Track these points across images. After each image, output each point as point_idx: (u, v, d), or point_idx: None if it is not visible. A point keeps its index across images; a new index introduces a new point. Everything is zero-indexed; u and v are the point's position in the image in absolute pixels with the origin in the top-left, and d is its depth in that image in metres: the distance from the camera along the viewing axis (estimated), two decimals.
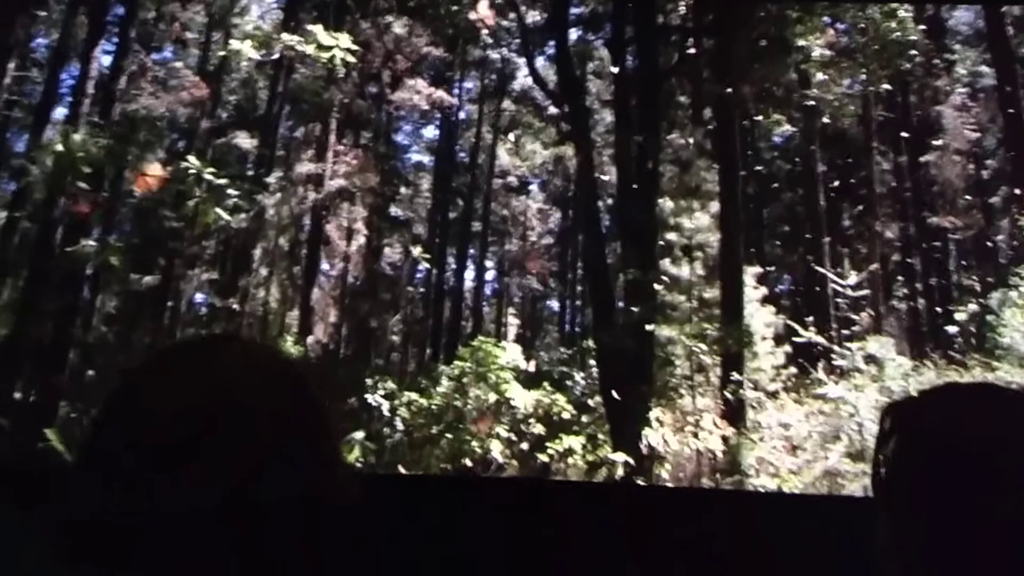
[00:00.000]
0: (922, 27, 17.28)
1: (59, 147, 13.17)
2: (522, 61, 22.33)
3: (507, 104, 26.07)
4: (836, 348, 12.18)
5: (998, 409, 0.97)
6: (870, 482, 1.05)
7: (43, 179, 14.03)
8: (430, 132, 27.04)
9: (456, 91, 23.71)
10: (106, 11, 17.20)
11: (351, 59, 14.78)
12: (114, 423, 0.86)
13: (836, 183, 20.61)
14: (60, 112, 17.06)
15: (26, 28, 18.19)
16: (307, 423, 0.89)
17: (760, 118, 19.62)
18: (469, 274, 25.85)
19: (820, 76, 17.40)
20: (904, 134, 21.43)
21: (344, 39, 14.55)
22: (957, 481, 0.91)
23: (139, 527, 0.78)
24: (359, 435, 9.52)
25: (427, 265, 19.45)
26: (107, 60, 16.79)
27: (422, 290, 23.39)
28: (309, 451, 0.87)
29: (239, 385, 0.87)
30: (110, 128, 14.90)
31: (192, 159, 12.77)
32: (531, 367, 13.37)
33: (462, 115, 25.68)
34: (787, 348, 13.17)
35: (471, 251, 25.00)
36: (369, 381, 13.41)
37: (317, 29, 14.65)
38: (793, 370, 12.73)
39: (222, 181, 12.60)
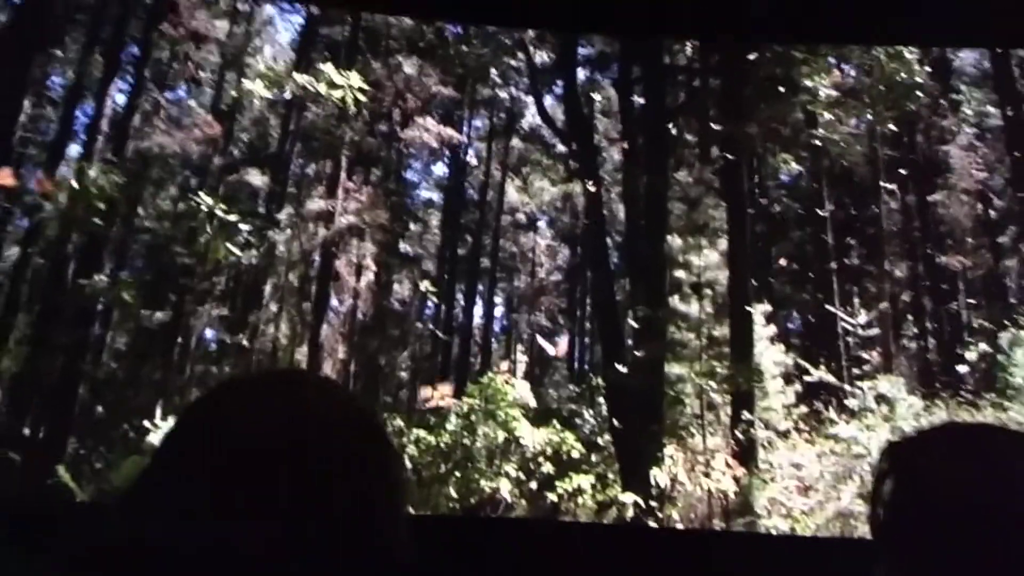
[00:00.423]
0: (928, 68, 17.43)
1: (74, 183, 13.31)
2: (530, 100, 22.63)
3: (516, 142, 26.34)
4: (847, 387, 12.11)
5: (996, 450, 0.97)
6: (868, 523, 1.04)
7: (56, 215, 14.17)
8: (439, 170, 27.36)
9: (465, 129, 23.98)
10: (121, 50, 17.51)
11: (362, 98, 14.97)
12: (186, 450, 0.82)
13: (844, 222, 20.64)
14: (75, 149, 17.30)
15: (42, 67, 18.52)
16: (382, 472, 0.86)
17: (768, 157, 19.73)
18: (478, 310, 25.95)
19: (827, 116, 17.51)
20: (910, 173, 21.51)
21: (355, 78, 14.76)
22: (953, 522, 0.91)
23: (198, 560, 0.74)
24: None
25: (436, 301, 19.50)
26: (121, 98, 17.09)
27: (431, 326, 23.40)
28: (382, 502, 0.84)
29: (320, 424, 0.84)
30: (123, 165, 15.07)
31: (204, 196, 12.88)
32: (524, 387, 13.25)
33: (471, 153, 25.96)
34: (797, 387, 13.09)
35: (480, 287, 25.09)
36: None
37: (328, 68, 14.86)
38: (804, 409, 12.64)
39: (233, 218, 12.69)
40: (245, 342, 15.15)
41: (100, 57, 17.34)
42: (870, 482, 1.07)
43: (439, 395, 14.12)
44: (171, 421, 0.88)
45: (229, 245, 12.62)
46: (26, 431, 13.48)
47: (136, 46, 17.71)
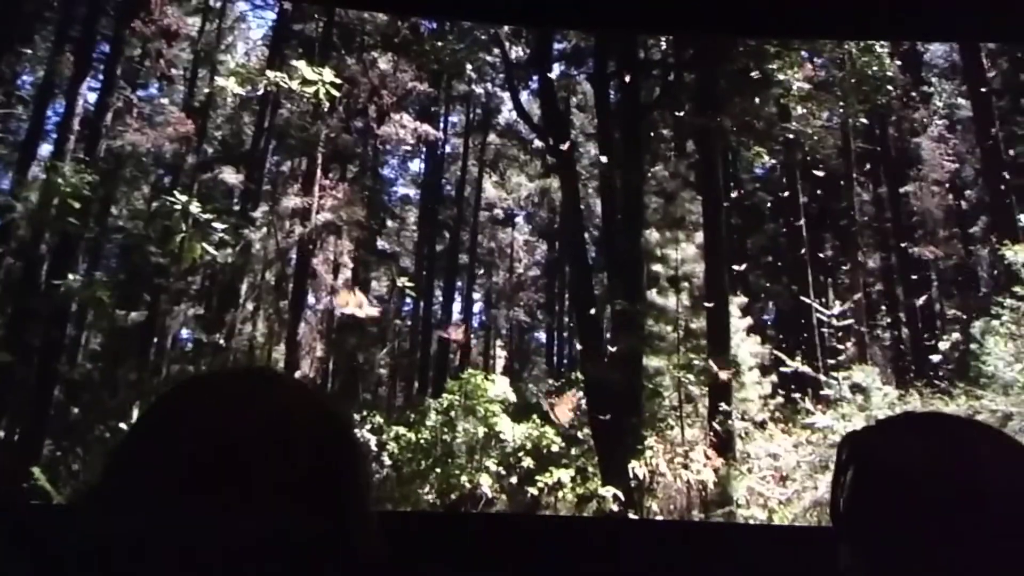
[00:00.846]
0: (898, 61, 17.62)
1: (45, 182, 13.16)
2: (507, 96, 22.63)
3: (492, 138, 26.35)
4: (822, 378, 12.24)
5: (950, 437, 0.99)
6: (830, 510, 1.07)
7: (28, 215, 13.98)
8: (416, 166, 27.31)
9: (442, 125, 23.92)
10: (92, 48, 17.27)
11: (335, 93, 14.90)
12: (149, 445, 0.80)
13: (818, 214, 20.83)
14: (46, 149, 17.08)
15: (11, 65, 18.25)
16: (349, 469, 0.85)
17: (742, 150, 19.87)
18: (456, 306, 25.95)
19: (800, 109, 17.66)
20: (882, 165, 21.74)
21: (327, 74, 14.69)
22: (910, 506, 0.94)
23: (160, 558, 0.74)
24: None
25: (414, 297, 19.48)
26: (93, 97, 16.86)
27: (409, 323, 23.37)
28: (346, 499, 0.84)
29: (286, 420, 0.82)
30: (96, 164, 14.90)
31: (178, 194, 12.76)
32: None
33: (448, 149, 25.92)
34: (774, 378, 13.22)
35: (458, 284, 25.08)
36: (357, 416, 13.30)
37: (301, 64, 14.77)
38: (780, 400, 12.77)
39: (208, 216, 12.59)
40: (222, 341, 15.04)
41: (70, 55, 17.10)
42: None
43: (355, 302, 14.05)
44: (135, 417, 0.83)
45: (205, 244, 12.51)
46: (0, 433, 13.32)
47: (106, 43, 17.48)
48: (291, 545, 0.77)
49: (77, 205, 13.17)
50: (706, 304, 13.19)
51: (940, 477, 0.94)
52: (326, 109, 15.87)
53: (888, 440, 1.03)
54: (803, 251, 18.11)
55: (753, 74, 15.94)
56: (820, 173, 18.72)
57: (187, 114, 17.50)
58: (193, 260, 12.76)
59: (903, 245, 20.50)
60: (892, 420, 1.10)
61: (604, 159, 14.84)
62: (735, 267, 16.23)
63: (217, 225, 12.75)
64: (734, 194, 21.01)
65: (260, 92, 15.47)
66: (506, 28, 16.80)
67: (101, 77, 17.07)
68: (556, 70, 19.81)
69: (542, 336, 29.71)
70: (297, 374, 14.50)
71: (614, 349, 13.22)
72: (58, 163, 13.98)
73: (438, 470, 12.58)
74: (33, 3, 17.44)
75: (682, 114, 17.10)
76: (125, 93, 17.02)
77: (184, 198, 12.46)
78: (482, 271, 27.38)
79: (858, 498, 1.02)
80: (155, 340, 16.48)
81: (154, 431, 0.82)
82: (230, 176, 16.45)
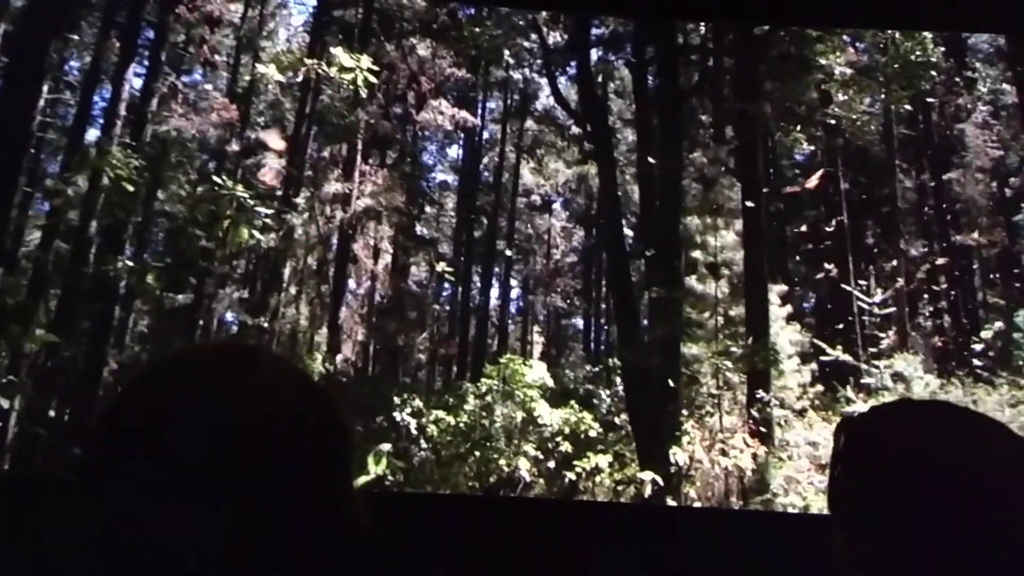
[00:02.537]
0: (942, 46, 17.32)
1: (93, 166, 13.41)
2: (544, 81, 22.61)
3: (530, 124, 26.33)
4: (863, 366, 12.16)
5: (952, 426, 0.99)
6: (826, 495, 1.07)
7: (76, 199, 14.28)
8: (454, 152, 27.45)
9: (479, 111, 23.97)
10: (137, 34, 17.53)
11: (373, 80, 14.99)
12: (131, 425, 0.79)
13: (859, 201, 20.59)
14: (93, 134, 17.39)
15: (59, 52, 18.58)
16: (334, 446, 0.85)
17: (782, 136, 19.68)
18: (494, 292, 26.06)
19: (841, 95, 17.45)
20: (925, 151, 21.42)
21: (365, 61, 14.77)
22: (906, 490, 0.94)
23: (146, 542, 0.74)
24: (386, 447, 9.47)
25: (453, 282, 19.58)
26: (138, 83, 17.13)
27: (448, 308, 23.52)
28: (333, 474, 0.84)
29: (270, 397, 0.82)
30: (142, 149, 15.16)
31: (225, 179, 12.98)
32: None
33: (485, 135, 25.99)
34: (813, 366, 13.16)
35: (496, 269, 25.16)
36: (397, 399, 13.46)
37: (339, 52, 14.87)
38: (820, 388, 12.71)
39: (254, 201, 12.79)
40: (266, 324, 15.29)
41: (116, 41, 17.37)
42: None
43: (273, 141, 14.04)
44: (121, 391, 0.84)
45: (251, 229, 12.73)
46: (51, 412, 13.67)
47: (151, 29, 17.73)
48: (276, 519, 0.77)
49: (125, 189, 13.41)
50: (745, 291, 13.15)
51: (943, 466, 0.94)
52: (365, 96, 15.98)
53: (890, 426, 1.03)
54: (844, 239, 17.93)
55: (794, 59, 15.79)
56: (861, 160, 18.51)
57: (230, 100, 17.73)
58: (239, 244, 12.98)
59: (946, 233, 20.23)
60: (892, 406, 1.10)
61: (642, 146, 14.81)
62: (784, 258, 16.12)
63: (262, 210, 12.94)
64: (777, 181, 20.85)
65: (299, 79, 15.60)
66: (544, 13, 16.76)
67: (146, 63, 17.32)
68: (594, 55, 19.74)
69: (579, 322, 29.85)
70: (339, 357, 14.75)
71: (651, 336, 13.24)
72: (105, 148, 14.24)
73: (477, 453, 12.71)
74: None
75: (722, 100, 17.00)
76: (170, 79, 17.27)
77: (230, 183, 12.67)
78: (519, 257, 27.47)
79: (854, 480, 1.01)
80: (201, 323, 16.81)
81: (138, 409, 0.80)
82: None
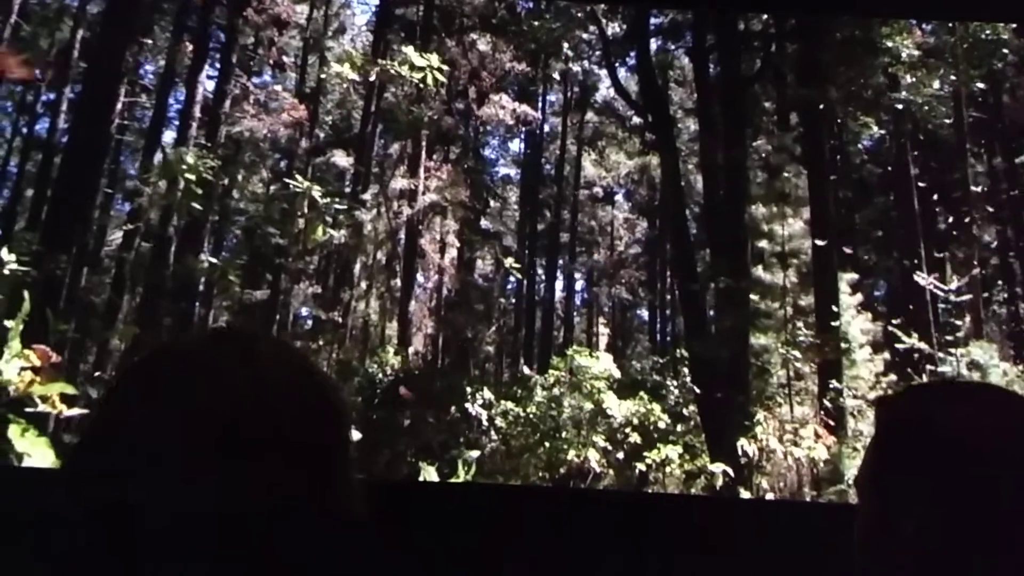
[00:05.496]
0: (1013, 24, 16.81)
1: (171, 167, 13.92)
2: (604, 73, 22.56)
3: (590, 116, 26.34)
4: (938, 355, 11.97)
5: (978, 406, 0.95)
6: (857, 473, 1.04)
7: (155, 199, 14.82)
8: (516, 146, 27.64)
9: (540, 105, 24.06)
10: (208, 38, 18.08)
11: (442, 78, 15.20)
12: (133, 407, 0.79)
13: (930, 186, 20.15)
14: (169, 136, 18.02)
15: (134, 56, 19.25)
16: (333, 432, 0.86)
17: (849, 122, 19.34)
18: (559, 284, 26.19)
19: (909, 78, 17.06)
20: (997, 134, 20.83)
21: (434, 59, 14.99)
22: (928, 474, 0.91)
23: (143, 526, 0.74)
24: (475, 454, 9.70)
25: (518, 276, 19.74)
26: (211, 85, 17.68)
27: (513, 301, 23.71)
28: (331, 462, 0.84)
29: (271, 383, 0.82)
30: (216, 149, 15.65)
31: (299, 178, 13.35)
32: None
33: (546, 128, 26.07)
34: (886, 355, 12.97)
35: (560, 262, 25.28)
36: (468, 391, 13.64)
37: (409, 51, 15.10)
38: (894, 377, 12.54)
39: (326, 199, 13.13)
40: (339, 318, 15.67)
41: (188, 45, 17.94)
42: None
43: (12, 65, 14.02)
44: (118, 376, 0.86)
45: (326, 226, 13.07)
46: None
47: (222, 32, 18.26)
48: (276, 505, 0.77)
49: (200, 190, 13.88)
50: (814, 280, 13.03)
51: (979, 449, 0.90)
52: (432, 93, 16.22)
53: (914, 405, 1.00)
54: (915, 225, 17.58)
55: (859, 43, 15.51)
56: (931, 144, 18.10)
57: (299, 100, 18.16)
58: (316, 241, 13.34)
59: (1020, 217, 19.67)
60: (923, 385, 1.10)
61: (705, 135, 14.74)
62: (845, 246, 15.91)
63: (335, 207, 13.28)
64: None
65: (371, 78, 15.90)
66: (602, 5, 16.75)
67: (218, 65, 17.86)
68: (653, 45, 19.64)
69: (644, 313, 29.81)
70: (410, 350, 15.03)
71: (719, 326, 13.20)
72: (182, 148, 14.75)
73: (546, 444, 12.82)
74: None
75: (786, 86, 16.78)
76: (241, 80, 17.77)
77: (305, 182, 13.03)
78: (583, 249, 27.56)
79: (880, 462, 0.98)
80: (277, 317, 17.29)
81: (138, 393, 0.81)
82: (341, 159, 17.02)
